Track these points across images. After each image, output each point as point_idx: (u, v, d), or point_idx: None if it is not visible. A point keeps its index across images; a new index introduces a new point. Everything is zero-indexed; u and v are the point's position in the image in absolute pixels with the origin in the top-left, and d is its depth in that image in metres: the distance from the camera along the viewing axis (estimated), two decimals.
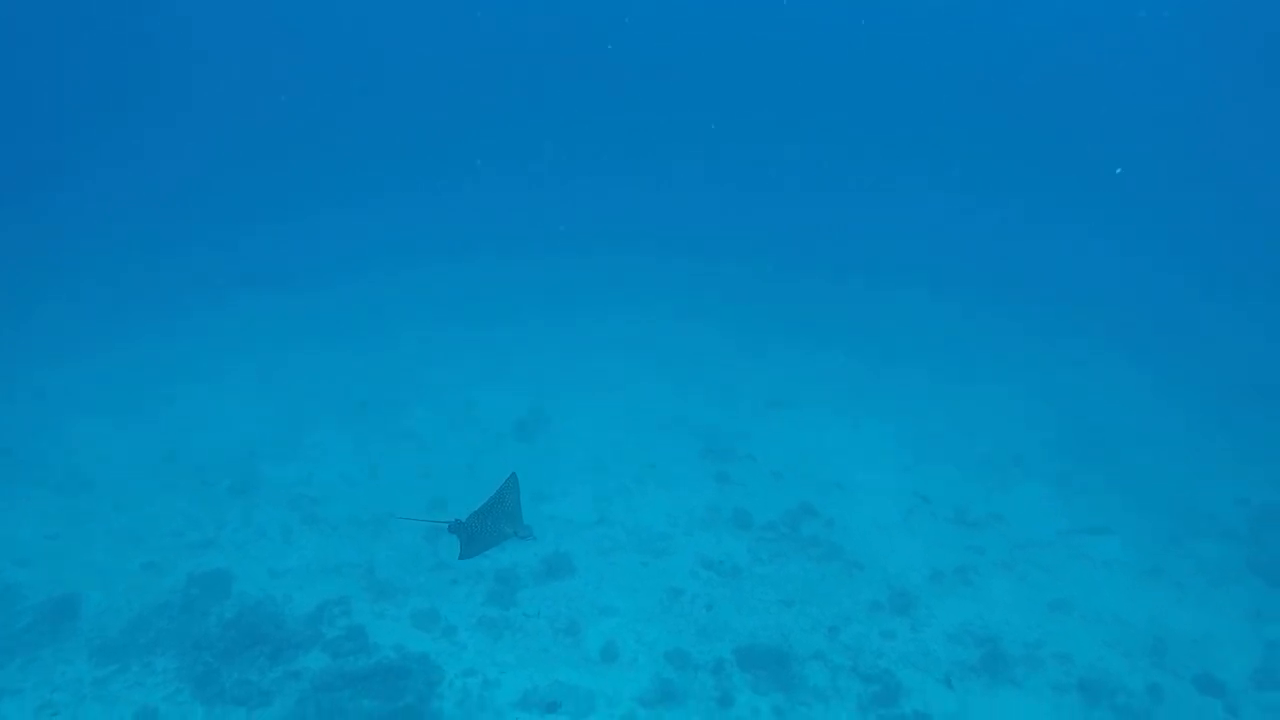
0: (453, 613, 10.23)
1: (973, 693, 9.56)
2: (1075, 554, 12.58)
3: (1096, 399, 19.27)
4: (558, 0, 49.88)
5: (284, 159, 40.30)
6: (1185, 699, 9.83)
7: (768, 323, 22.93)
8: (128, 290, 23.13)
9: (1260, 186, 40.61)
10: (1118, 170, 39.49)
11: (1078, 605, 11.30)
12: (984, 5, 49.98)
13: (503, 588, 10.62)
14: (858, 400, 17.66)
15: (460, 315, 22.40)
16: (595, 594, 10.59)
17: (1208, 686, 10.03)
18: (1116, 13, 46.01)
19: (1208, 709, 9.71)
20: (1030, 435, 16.70)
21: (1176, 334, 24.98)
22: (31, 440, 14.23)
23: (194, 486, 12.93)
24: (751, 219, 36.55)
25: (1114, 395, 19.69)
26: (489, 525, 7.73)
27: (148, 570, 10.78)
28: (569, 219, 33.77)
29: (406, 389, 17.14)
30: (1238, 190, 40.92)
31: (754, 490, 13.64)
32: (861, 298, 26.34)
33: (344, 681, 9.23)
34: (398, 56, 51.25)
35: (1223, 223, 37.98)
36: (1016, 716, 9.28)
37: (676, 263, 28.98)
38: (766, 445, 15.25)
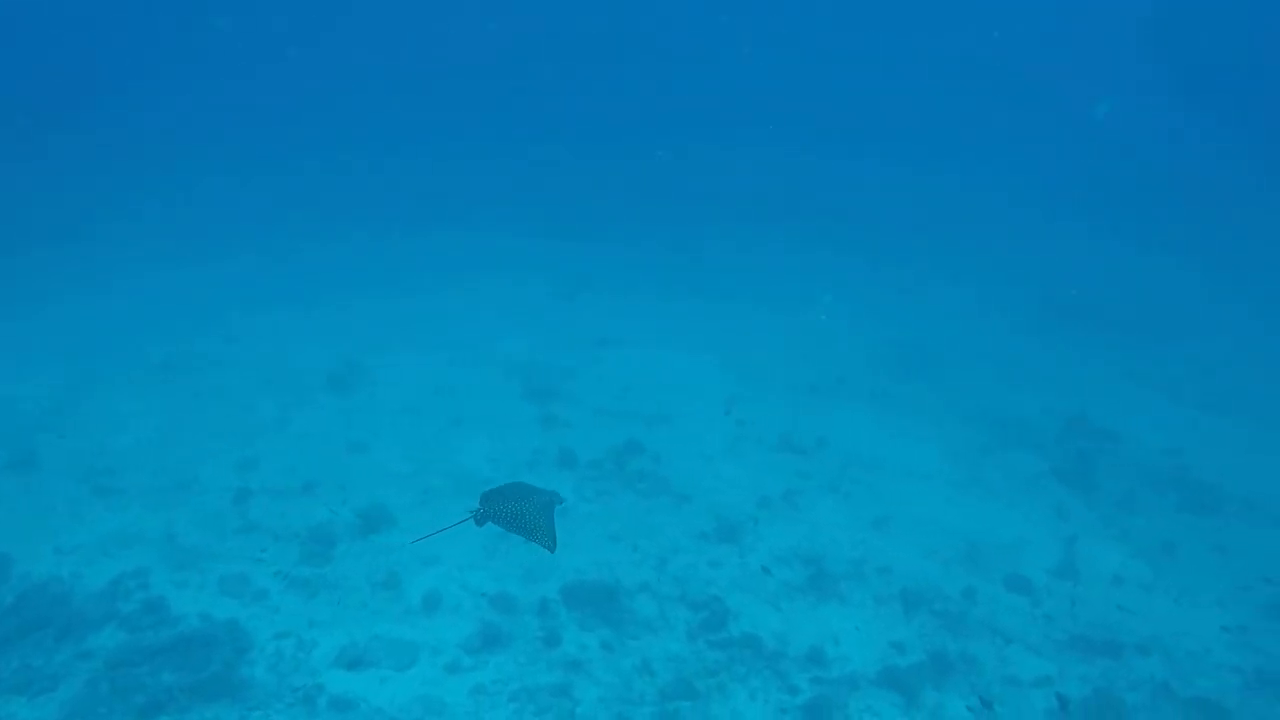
0: (264, 576, 9.59)
1: (799, 611, 9.74)
2: (897, 471, 13.07)
3: (919, 321, 20.19)
4: None
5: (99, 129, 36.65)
6: (996, 598, 10.35)
7: (593, 264, 22.80)
8: None
9: (1073, 105, 43.04)
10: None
11: (899, 519, 11.73)
12: None
13: (317, 546, 10.04)
14: (685, 335, 17.85)
15: (273, 266, 21.15)
16: (416, 544, 10.16)
17: (1015, 584, 10.60)
18: None
19: (1015, 605, 10.27)
20: (855, 359, 17.32)
21: (995, 255, 26.46)
22: None
23: None
24: (579, 163, 35.99)
25: (935, 317, 20.67)
26: (521, 517, 7.15)
27: None
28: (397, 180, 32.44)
29: (214, 346, 16.04)
30: (1052, 111, 43.31)
31: (580, 429, 13.48)
32: (688, 237, 26.51)
33: (142, 656, 8.51)
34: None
35: (1039, 143, 40.25)
36: (841, 629, 9.51)
37: (501, 208, 28.23)
38: (593, 384, 15.16)
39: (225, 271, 21.55)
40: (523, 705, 8.09)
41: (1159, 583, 10.91)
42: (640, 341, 17.71)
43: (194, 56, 43.83)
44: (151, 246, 22.73)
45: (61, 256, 21.26)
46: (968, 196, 34.02)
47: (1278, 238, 28.92)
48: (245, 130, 37.75)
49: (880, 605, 9.99)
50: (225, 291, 19.78)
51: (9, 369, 14.56)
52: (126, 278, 20.23)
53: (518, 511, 7.05)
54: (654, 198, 31.32)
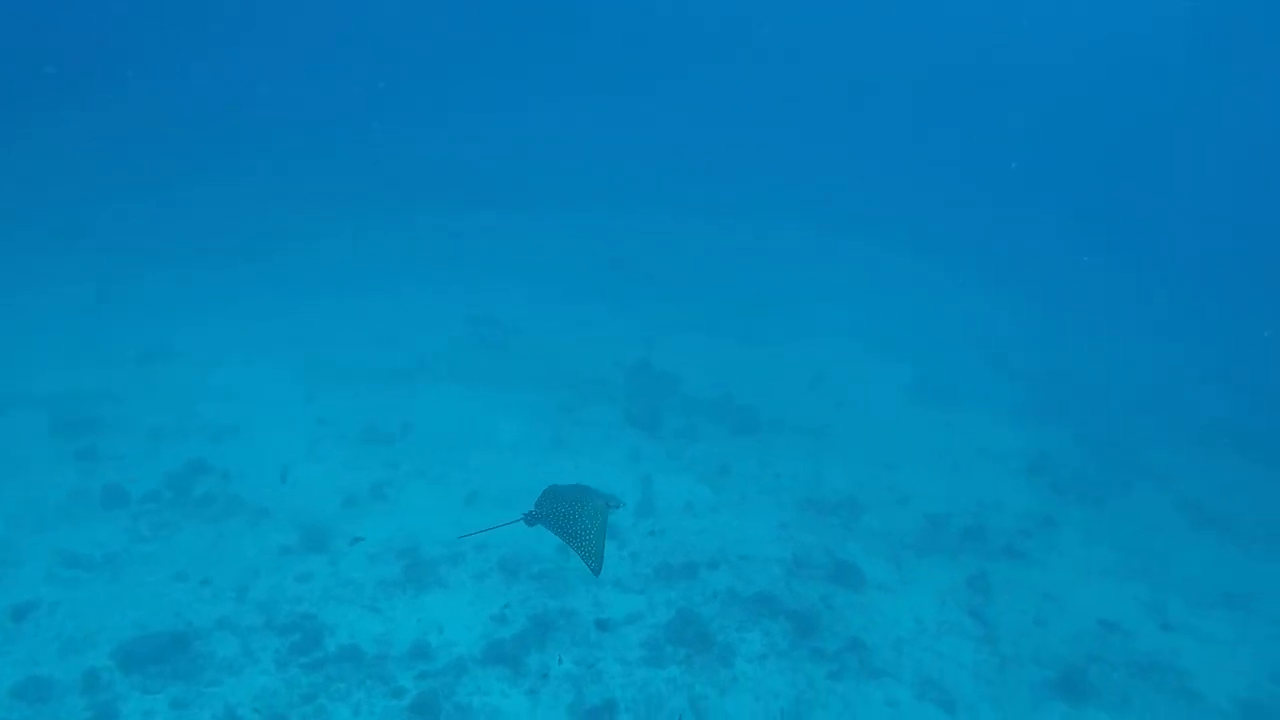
0: None
1: (399, 607, 9.40)
2: (485, 444, 13.20)
3: (497, 295, 20.60)
4: None
5: None
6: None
7: (144, 274, 20.01)
8: None
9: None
10: None
11: (491, 492, 11.83)
12: None
13: None
14: (247, 337, 16.36)
15: None
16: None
17: (610, 532, 11.27)
18: None
19: (607, 551, 10.90)
20: (436, 339, 17.16)
21: (570, 222, 27.98)
22: None
23: None
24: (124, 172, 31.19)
25: (513, 289, 21.24)
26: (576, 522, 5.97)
27: None
28: None
29: None
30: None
31: (129, 459, 11.78)
32: (254, 234, 24.36)
33: None
34: None
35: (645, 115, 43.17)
36: (443, 615, 9.36)
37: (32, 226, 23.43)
38: (141, 404, 13.35)
39: None
40: None
41: (720, 501, 12.33)
42: (200, 349, 15.85)
43: None
44: None
45: None
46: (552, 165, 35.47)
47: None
48: None
49: (480, 582, 10.00)
50: None
51: None
52: None
53: (569, 514, 6.42)
54: (213, 197, 28.07)
